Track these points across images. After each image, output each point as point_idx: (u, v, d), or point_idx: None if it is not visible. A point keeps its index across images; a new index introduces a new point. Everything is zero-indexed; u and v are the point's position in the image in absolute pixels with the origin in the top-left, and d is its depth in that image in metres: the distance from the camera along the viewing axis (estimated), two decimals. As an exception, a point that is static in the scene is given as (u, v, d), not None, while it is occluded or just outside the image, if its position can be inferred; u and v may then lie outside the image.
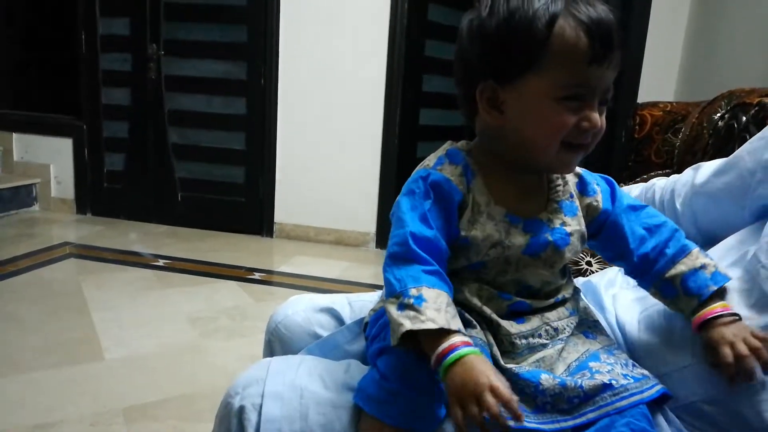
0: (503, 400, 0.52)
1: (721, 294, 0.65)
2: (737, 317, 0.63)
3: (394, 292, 0.59)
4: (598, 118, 0.62)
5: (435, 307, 0.57)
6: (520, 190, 0.68)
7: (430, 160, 0.67)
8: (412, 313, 0.57)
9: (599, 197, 0.71)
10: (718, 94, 1.66)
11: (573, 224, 0.68)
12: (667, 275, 0.67)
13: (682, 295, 0.66)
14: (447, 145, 0.69)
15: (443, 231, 0.63)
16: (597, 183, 0.72)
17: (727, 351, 0.59)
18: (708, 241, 0.78)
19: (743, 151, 0.75)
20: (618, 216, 0.70)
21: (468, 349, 0.56)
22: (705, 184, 0.80)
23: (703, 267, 0.66)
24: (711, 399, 0.61)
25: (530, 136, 0.63)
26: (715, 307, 0.63)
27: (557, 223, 0.67)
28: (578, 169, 0.73)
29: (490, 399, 0.52)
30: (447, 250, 0.63)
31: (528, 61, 0.60)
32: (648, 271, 0.69)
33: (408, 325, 0.56)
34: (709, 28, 2.60)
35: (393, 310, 0.58)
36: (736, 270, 0.67)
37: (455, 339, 0.56)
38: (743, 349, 0.59)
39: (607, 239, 0.72)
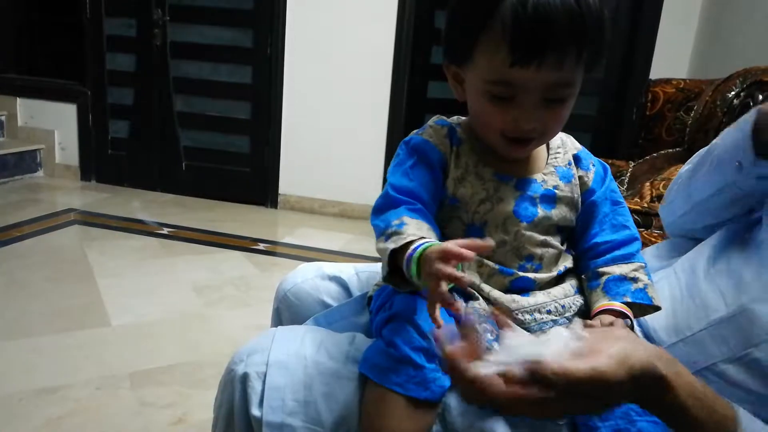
0: (454, 256, 0.51)
1: (633, 309, 0.65)
2: (631, 323, 0.65)
3: (380, 231, 0.62)
4: (528, 119, 0.60)
5: (416, 227, 0.60)
6: None
7: (415, 130, 0.72)
8: (395, 237, 0.59)
9: (591, 175, 0.72)
10: (733, 71, 1.63)
11: (565, 190, 0.70)
12: (600, 269, 0.69)
13: (599, 290, 0.67)
14: (435, 117, 0.73)
15: (428, 186, 0.66)
16: (593, 164, 0.74)
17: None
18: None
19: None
20: (599, 200, 0.72)
21: (429, 242, 0.56)
22: None
23: (634, 279, 0.67)
24: (732, 357, 0.61)
25: (474, 119, 0.67)
26: (615, 305, 0.64)
27: (550, 185, 0.69)
28: (578, 145, 0.75)
29: (438, 266, 0.51)
30: (430, 201, 0.66)
31: (465, 50, 0.61)
32: (590, 258, 0.71)
33: (391, 245, 0.58)
34: (725, 3, 2.54)
35: (380, 244, 0.61)
36: (743, 253, 0.67)
37: (421, 240, 0.57)
38: None
39: (579, 216, 0.73)
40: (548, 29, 0.55)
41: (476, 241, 0.52)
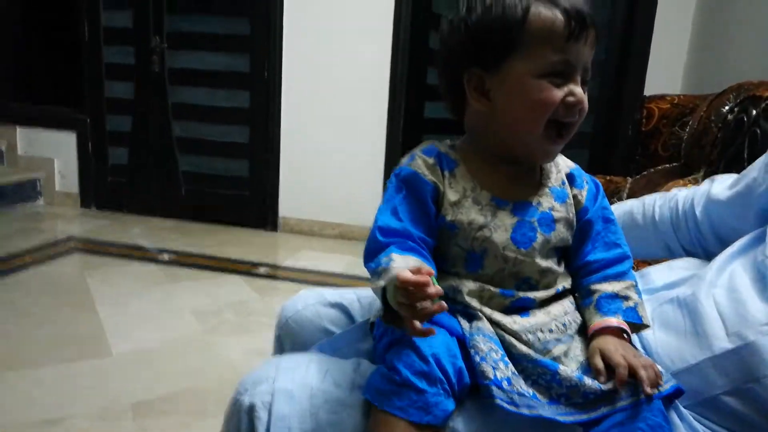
0: (415, 285, 0.54)
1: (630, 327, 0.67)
2: (629, 336, 0.66)
3: (372, 272, 0.63)
4: (582, 93, 0.65)
5: (404, 263, 0.60)
6: (508, 177, 0.70)
7: (404, 158, 0.71)
8: (384, 275, 0.60)
9: (584, 193, 0.73)
10: (727, 84, 1.65)
11: (561, 210, 0.70)
12: (592, 287, 0.70)
13: (592, 308, 0.68)
14: (424, 144, 0.72)
15: (419, 222, 0.67)
16: (586, 181, 0.75)
17: (620, 357, 0.61)
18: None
19: (754, 165, 0.79)
20: (592, 218, 0.72)
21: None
22: (719, 194, 0.84)
23: (625, 297, 0.68)
24: (733, 390, 0.61)
25: (518, 116, 0.66)
26: (611, 320, 0.65)
27: (546, 207, 0.69)
28: (570, 163, 0.76)
29: (400, 296, 0.56)
30: (422, 235, 0.66)
31: (508, 45, 0.64)
32: (582, 276, 0.71)
33: (381, 282, 0.60)
34: (716, 19, 2.58)
35: (373, 284, 0.62)
36: (748, 273, 0.67)
37: None
38: (635, 360, 0.60)
39: (574, 234, 0.74)
40: (584, 8, 0.64)
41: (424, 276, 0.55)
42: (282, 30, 3.11)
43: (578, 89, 0.65)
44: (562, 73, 0.64)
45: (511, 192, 0.69)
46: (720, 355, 0.63)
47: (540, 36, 0.63)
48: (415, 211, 0.67)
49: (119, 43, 3.34)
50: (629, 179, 1.90)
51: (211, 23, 3.22)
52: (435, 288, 0.55)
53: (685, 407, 0.64)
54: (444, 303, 0.56)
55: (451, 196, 0.67)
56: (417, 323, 0.56)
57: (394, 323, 0.61)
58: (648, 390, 0.58)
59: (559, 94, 0.64)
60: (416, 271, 0.55)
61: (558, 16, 0.63)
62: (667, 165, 1.85)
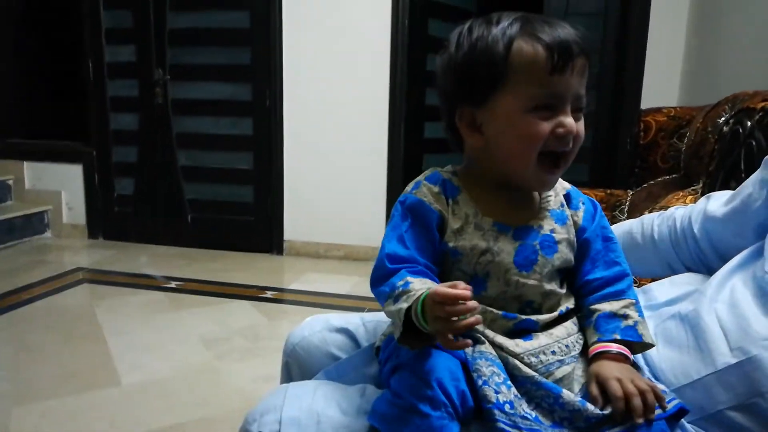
0: (456, 298, 0.54)
1: (627, 346, 0.67)
2: (628, 359, 0.65)
3: (387, 295, 0.63)
4: (573, 123, 0.65)
5: (421, 283, 0.61)
6: (508, 202, 0.71)
7: (409, 186, 0.72)
8: (404, 296, 0.60)
9: (580, 214, 0.74)
10: (722, 97, 1.67)
11: (562, 232, 0.71)
12: (593, 306, 0.70)
13: (591, 328, 0.69)
14: (428, 171, 0.73)
15: (425, 250, 0.67)
16: (583, 202, 0.75)
17: (615, 385, 0.61)
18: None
19: (749, 181, 0.79)
20: (591, 237, 0.73)
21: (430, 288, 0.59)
22: (715, 211, 0.85)
23: (624, 316, 0.68)
24: (738, 405, 0.61)
25: (509, 150, 0.67)
26: (611, 344, 0.66)
27: (547, 230, 0.70)
28: (566, 184, 0.76)
29: (437, 310, 0.55)
30: (428, 263, 0.67)
31: (494, 81, 0.65)
32: (583, 296, 0.72)
33: (404, 304, 0.59)
34: (709, 31, 2.61)
35: (390, 307, 0.62)
36: (749, 288, 0.68)
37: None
38: (631, 387, 0.60)
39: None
40: (569, 39, 0.64)
41: (463, 290, 0.55)
42: (282, 58, 3.17)
43: (568, 120, 0.64)
44: (550, 106, 0.64)
45: (513, 217, 0.70)
46: (723, 370, 0.63)
47: (523, 71, 0.63)
48: (421, 239, 0.67)
49: (123, 76, 3.41)
50: (630, 192, 1.91)
51: (212, 54, 3.28)
52: (474, 302, 0.55)
53: (689, 423, 0.64)
54: (480, 316, 0.56)
55: (454, 223, 0.68)
56: (451, 337, 0.56)
57: (413, 344, 0.62)
58: (638, 420, 0.59)
59: (546, 126, 0.64)
60: (452, 286, 0.55)
61: (539, 50, 0.63)
62: (667, 177, 1.86)
